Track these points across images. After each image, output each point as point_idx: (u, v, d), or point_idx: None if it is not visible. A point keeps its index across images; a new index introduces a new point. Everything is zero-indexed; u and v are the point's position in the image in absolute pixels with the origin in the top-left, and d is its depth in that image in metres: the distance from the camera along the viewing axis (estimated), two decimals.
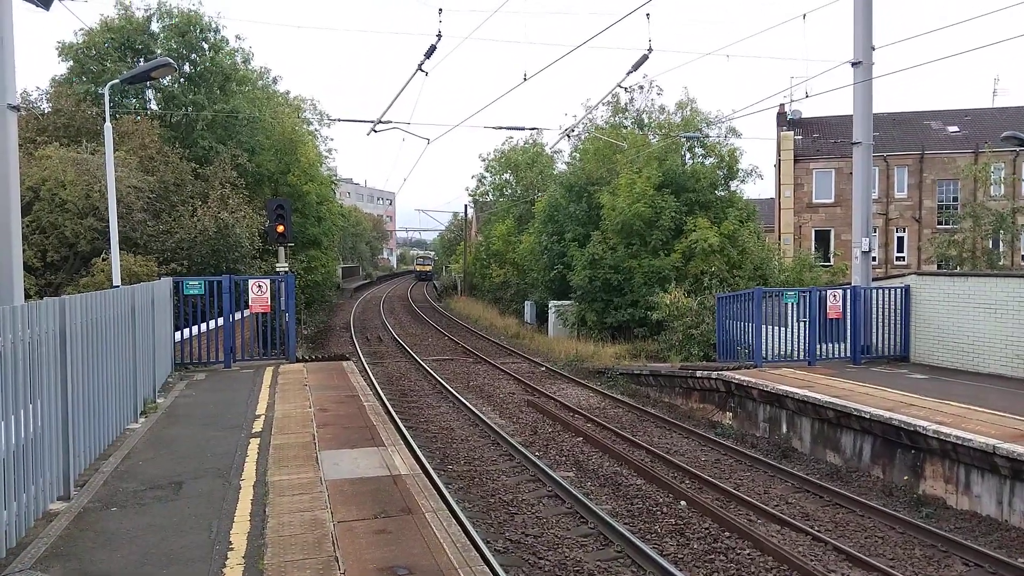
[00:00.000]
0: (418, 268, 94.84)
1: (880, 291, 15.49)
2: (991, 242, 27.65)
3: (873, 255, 16.77)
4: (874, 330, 15.39)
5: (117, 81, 14.90)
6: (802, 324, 15.22)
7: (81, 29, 24.84)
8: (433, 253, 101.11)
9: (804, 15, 15.22)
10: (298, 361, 15.20)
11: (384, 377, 20.49)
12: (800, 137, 40.55)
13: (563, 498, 9.87)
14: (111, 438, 8.47)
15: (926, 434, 9.55)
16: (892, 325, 15.40)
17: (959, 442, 9.06)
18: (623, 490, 10.45)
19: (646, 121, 33.98)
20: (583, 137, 34.62)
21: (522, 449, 12.19)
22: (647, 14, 13.93)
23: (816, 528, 8.77)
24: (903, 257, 38.76)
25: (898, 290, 15.40)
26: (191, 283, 14.06)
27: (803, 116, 42.17)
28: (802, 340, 15.20)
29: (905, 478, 10.10)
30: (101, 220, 17.91)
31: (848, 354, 15.25)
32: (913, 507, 9.52)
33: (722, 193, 28.33)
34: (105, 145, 13.76)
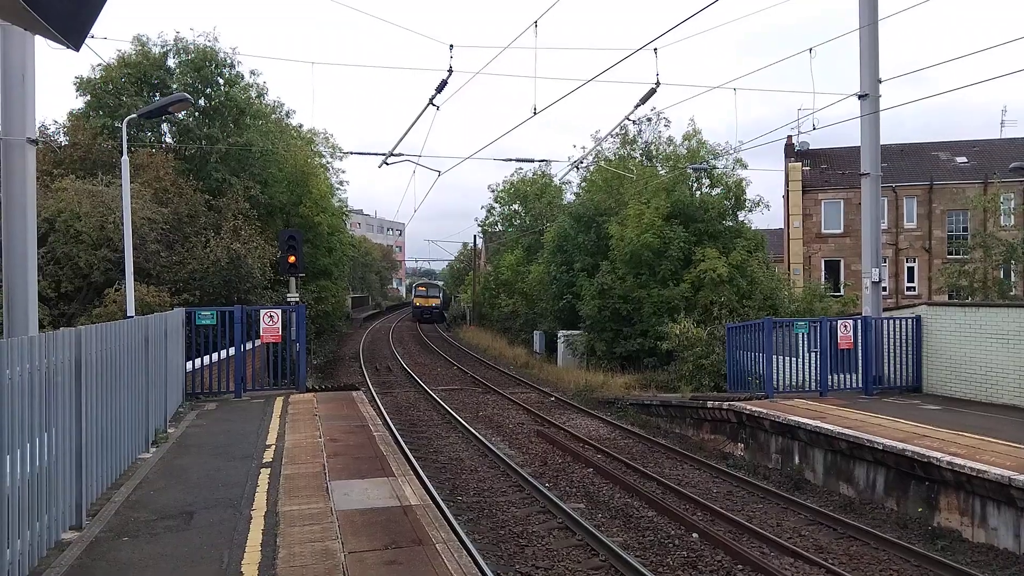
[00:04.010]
0: (418, 301, 65.03)
1: (891, 321, 15.44)
2: (1002, 272, 27.52)
3: (884, 285, 16.74)
4: (886, 360, 15.31)
5: (134, 116, 15.17)
6: (813, 354, 15.17)
7: (98, 64, 25.32)
8: (442, 283, 78.53)
9: (811, 49, 15.37)
10: (308, 391, 15.22)
11: (393, 407, 20.46)
12: (808, 168, 40.72)
13: (574, 530, 9.79)
14: (123, 468, 8.50)
15: (940, 466, 9.46)
16: (904, 355, 15.32)
17: (974, 474, 8.97)
18: (634, 522, 10.36)
19: (654, 152, 34.23)
20: (592, 168, 34.90)
21: (532, 480, 12.12)
22: (655, 49, 14.12)
23: (830, 561, 8.66)
24: (913, 287, 38.61)
25: (909, 320, 15.35)
26: (203, 313, 14.16)
27: (811, 147, 42.36)
28: (813, 371, 15.13)
29: (919, 510, 9.98)
30: (115, 251, 18.10)
31: (860, 385, 15.15)
32: (928, 540, 9.40)
33: (730, 223, 28.41)
34: (122, 178, 13.98)
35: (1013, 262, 26.59)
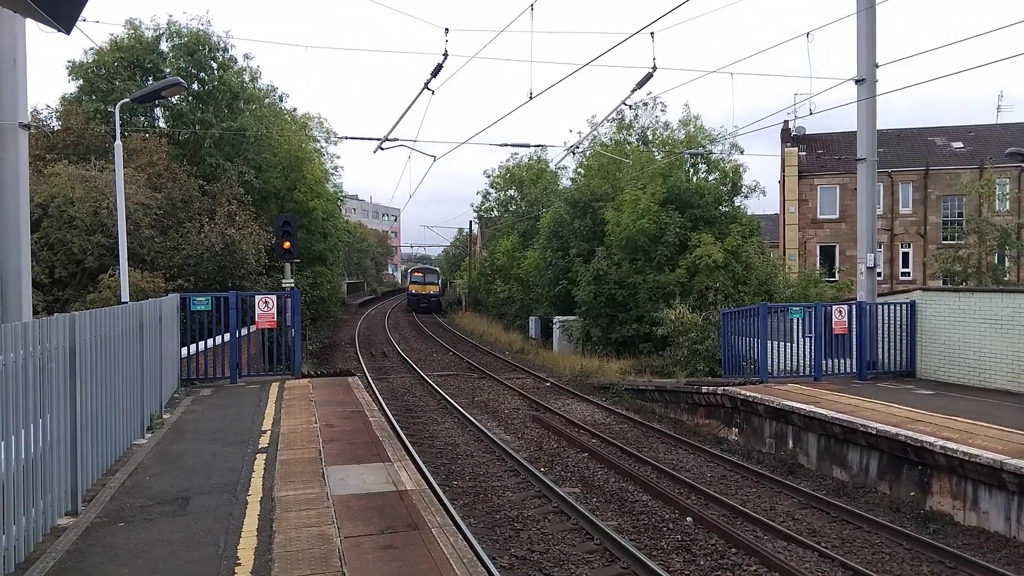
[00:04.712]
0: (413, 288, 58.88)
1: (886, 307, 15.48)
2: (996, 257, 27.58)
3: (878, 271, 16.76)
4: (880, 346, 15.37)
5: (127, 100, 15.06)
6: (808, 339, 15.21)
7: (91, 48, 25.16)
8: (438, 269, 71.24)
9: (808, 33, 15.32)
10: (304, 376, 15.23)
11: (389, 392, 20.50)
12: (804, 153, 40.66)
13: (569, 514, 9.85)
14: (118, 453, 8.50)
15: (933, 450, 9.53)
16: (898, 341, 15.38)
17: (966, 458, 9.04)
18: (629, 506, 10.42)
19: (650, 138, 34.15)
20: (588, 153, 34.81)
21: (527, 465, 12.18)
22: (651, 33, 14.07)
23: (823, 544, 8.73)
24: (908, 273, 38.71)
25: (904, 305, 15.39)
26: (198, 299, 14.13)
27: (807, 132, 42.30)
28: (808, 355, 15.18)
29: (912, 494, 10.06)
30: (109, 237, 18.03)
31: (854, 370, 15.22)
32: (920, 523, 9.48)
33: (726, 209, 28.41)
34: (115, 163, 13.89)
35: (1007, 247, 26.65)
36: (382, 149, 20.66)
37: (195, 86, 25.69)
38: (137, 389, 9.48)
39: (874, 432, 10.55)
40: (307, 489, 7.41)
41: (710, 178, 29.96)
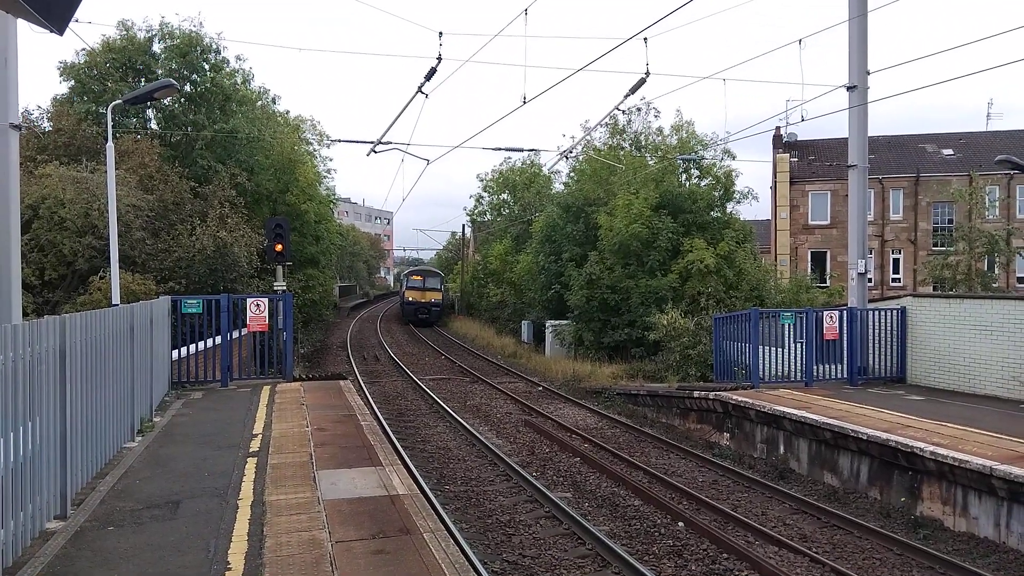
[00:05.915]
0: (411, 295, 49.17)
1: (876, 312, 15.55)
2: (985, 264, 27.79)
3: (869, 277, 16.85)
4: (871, 351, 15.43)
5: (120, 102, 15.01)
6: (799, 345, 15.27)
7: (83, 49, 25.05)
8: (440, 272, 56.36)
9: (800, 40, 15.40)
10: (295, 380, 15.17)
11: (381, 396, 20.45)
12: (796, 159, 40.85)
13: (560, 519, 9.84)
14: (108, 457, 8.45)
15: (923, 455, 9.57)
16: (888, 346, 15.45)
17: (956, 463, 9.07)
18: (621, 511, 10.42)
19: (643, 143, 34.20)
20: (581, 158, 34.84)
21: (519, 469, 12.16)
22: (645, 39, 14.11)
23: (814, 550, 8.75)
24: (899, 279, 38.93)
25: (894, 312, 15.47)
26: (189, 302, 14.06)
27: (799, 138, 42.48)
28: (799, 361, 15.24)
29: (902, 499, 10.10)
30: (100, 238, 17.93)
31: (845, 375, 15.28)
32: (911, 529, 9.51)
33: (718, 214, 28.48)
34: (107, 164, 13.84)
35: (996, 254, 26.85)
36: (375, 152, 20.65)
37: (187, 88, 25.61)
38: (127, 392, 9.43)
39: (865, 437, 10.58)
40: (298, 493, 7.38)
41: (702, 183, 30.03)
